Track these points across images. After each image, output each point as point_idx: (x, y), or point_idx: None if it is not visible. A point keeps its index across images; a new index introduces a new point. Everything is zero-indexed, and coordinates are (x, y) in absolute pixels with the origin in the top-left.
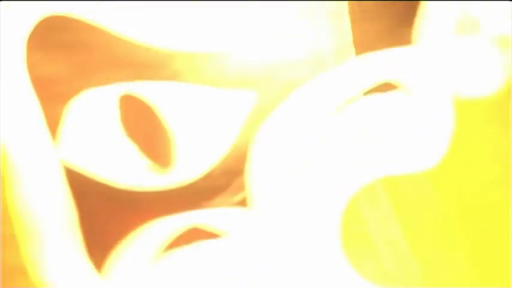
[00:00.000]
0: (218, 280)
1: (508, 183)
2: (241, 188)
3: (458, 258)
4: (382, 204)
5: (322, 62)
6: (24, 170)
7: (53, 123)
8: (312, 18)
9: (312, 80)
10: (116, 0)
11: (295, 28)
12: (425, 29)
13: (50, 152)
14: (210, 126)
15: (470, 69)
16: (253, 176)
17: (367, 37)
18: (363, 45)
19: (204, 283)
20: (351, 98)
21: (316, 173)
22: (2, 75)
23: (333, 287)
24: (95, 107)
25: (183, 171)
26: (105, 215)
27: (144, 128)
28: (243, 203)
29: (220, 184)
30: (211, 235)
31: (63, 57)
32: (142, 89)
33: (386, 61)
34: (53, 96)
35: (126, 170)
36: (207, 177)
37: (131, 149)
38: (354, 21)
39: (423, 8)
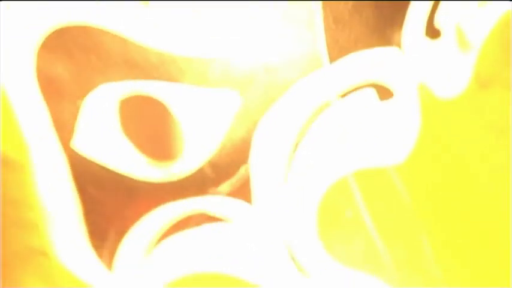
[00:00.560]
0: (220, 260)
1: (471, 178)
2: (229, 177)
3: (422, 242)
4: (355, 195)
5: (308, 64)
6: (37, 161)
7: (60, 120)
8: (291, 26)
9: (297, 82)
10: (122, 0)
11: (276, 34)
12: (395, 35)
13: (56, 146)
14: (202, 123)
15: (438, 71)
16: (251, 167)
17: (339, 43)
18: (335, 50)
19: (208, 263)
20: (328, 99)
21: (299, 166)
22: (10, 76)
23: (310, 269)
24: (105, 105)
25: (185, 164)
26: (116, 202)
27: (151, 124)
28: (233, 192)
29: (212, 175)
30: (214, 220)
31: (71, 59)
32: (147, 88)
33: (358, 64)
34: (58, 95)
35: (134, 162)
36: (199, 169)
37: (139, 144)
38: (326, 29)
39: (394, 16)
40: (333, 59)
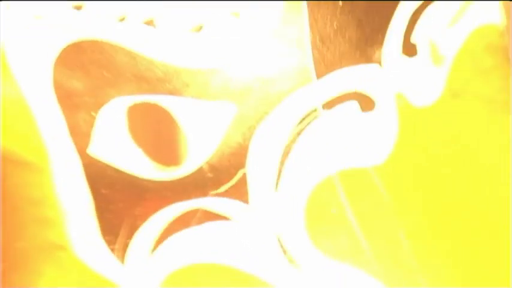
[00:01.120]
0: (220, 252)
1: (444, 177)
2: (225, 180)
3: (399, 236)
4: (339, 193)
5: (298, 78)
6: (55, 165)
7: (77, 129)
8: (283, 44)
9: (289, 94)
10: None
11: (270, 51)
12: (376, 53)
13: (72, 151)
14: (204, 132)
15: (414, 83)
16: (248, 171)
17: (325, 60)
18: (321, 66)
19: (209, 255)
20: (316, 109)
21: (289, 167)
22: (31, 88)
23: (299, 260)
24: (117, 116)
25: (186, 168)
26: (127, 202)
27: (158, 133)
28: (226, 193)
29: (211, 177)
30: (214, 217)
31: (86, 74)
32: (156, 99)
33: (343, 78)
34: (74, 106)
35: (143, 166)
36: (201, 173)
37: (147, 150)
38: (313, 46)
39: (374, 36)
40: (320, 74)
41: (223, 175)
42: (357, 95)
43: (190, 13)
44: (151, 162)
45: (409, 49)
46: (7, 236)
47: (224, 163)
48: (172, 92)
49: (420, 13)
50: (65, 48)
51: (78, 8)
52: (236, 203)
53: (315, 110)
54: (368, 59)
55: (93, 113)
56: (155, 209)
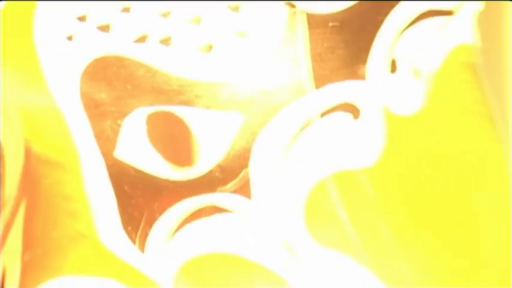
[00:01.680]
0: (227, 242)
1: (425, 178)
2: (231, 178)
3: (384, 229)
4: (332, 192)
5: (296, 90)
6: (84, 165)
7: (104, 135)
8: (283, 61)
9: (287, 104)
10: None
11: (272, 67)
12: (368, 68)
13: (99, 154)
14: (213, 137)
15: (397, 95)
16: (251, 171)
17: (319, 75)
18: (320, 79)
19: (217, 245)
20: (311, 117)
21: (289, 169)
22: (70, 100)
23: (298, 250)
24: (138, 122)
25: (198, 168)
26: (147, 197)
27: (174, 139)
28: (236, 190)
29: (220, 176)
30: (222, 211)
31: (111, 87)
32: (171, 109)
33: (334, 91)
34: (100, 114)
35: (160, 167)
36: (210, 172)
37: (165, 153)
38: (308, 64)
39: (360, 54)
40: (313, 87)
41: (230, 174)
42: (346, 106)
43: (201, 33)
44: (167, 164)
45: (392, 66)
46: (43, 226)
47: (230, 164)
48: (185, 103)
49: (401, 33)
50: (91, 63)
51: (104, 28)
52: (240, 198)
53: (311, 119)
54: (354, 74)
55: (119, 121)
56: (170, 204)
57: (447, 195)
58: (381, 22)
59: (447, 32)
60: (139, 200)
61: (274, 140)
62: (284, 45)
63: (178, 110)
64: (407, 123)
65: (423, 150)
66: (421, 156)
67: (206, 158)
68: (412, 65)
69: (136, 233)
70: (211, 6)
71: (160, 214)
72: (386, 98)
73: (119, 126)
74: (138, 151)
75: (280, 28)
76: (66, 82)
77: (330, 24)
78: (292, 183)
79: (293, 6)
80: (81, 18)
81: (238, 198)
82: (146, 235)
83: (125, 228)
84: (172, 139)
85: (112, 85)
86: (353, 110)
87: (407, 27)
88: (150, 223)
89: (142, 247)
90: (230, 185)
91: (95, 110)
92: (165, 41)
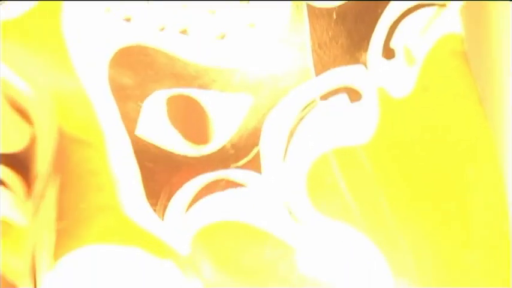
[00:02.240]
0: (239, 212)
1: (416, 153)
2: (246, 155)
3: (380, 200)
4: (333, 166)
5: (301, 75)
6: (111, 142)
7: (128, 115)
8: (289, 48)
9: (293, 88)
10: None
11: (279, 54)
12: (362, 56)
13: (127, 132)
14: (226, 117)
15: (392, 80)
16: (261, 148)
17: (322, 61)
18: (319, 66)
19: (230, 214)
20: (314, 99)
21: (294, 145)
22: (96, 84)
23: (302, 219)
24: (158, 105)
25: (213, 145)
26: (166, 172)
27: (191, 118)
28: (243, 166)
29: (233, 153)
30: (235, 185)
31: (135, 72)
32: (188, 93)
33: (336, 76)
34: (125, 97)
35: (179, 144)
36: (222, 149)
37: (183, 131)
38: (313, 51)
39: (361, 42)
40: (318, 72)
41: (242, 151)
42: (347, 89)
43: (216, 24)
44: (185, 141)
45: (388, 53)
46: (73, 199)
47: (242, 142)
48: (202, 86)
49: (397, 24)
50: (117, 51)
51: (128, 19)
52: (251, 173)
53: (314, 101)
54: (356, 61)
55: (139, 103)
56: (188, 179)
57: (438, 168)
58: (379, 14)
59: (438, 22)
60: (160, 175)
61: (282, 119)
62: (291, 35)
63: (194, 93)
64: (402, 104)
65: (416, 128)
66: (414, 133)
67: (220, 137)
68: (406, 52)
69: (157, 204)
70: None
71: (178, 188)
72: (383, 82)
73: (140, 107)
74: (158, 130)
75: (287, 19)
76: (95, 69)
77: (331, 15)
78: (296, 158)
79: None
80: (107, 10)
81: (250, 173)
82: (166, 206)
83: (147, 200)
84: (189, 119)
85: (136, 71)
86: (353, 92)
87: (403, 19)
88: (169, 196)
89: (162, 216)
90: (242, 162)
91: (121, 93)
92: (183, 31)
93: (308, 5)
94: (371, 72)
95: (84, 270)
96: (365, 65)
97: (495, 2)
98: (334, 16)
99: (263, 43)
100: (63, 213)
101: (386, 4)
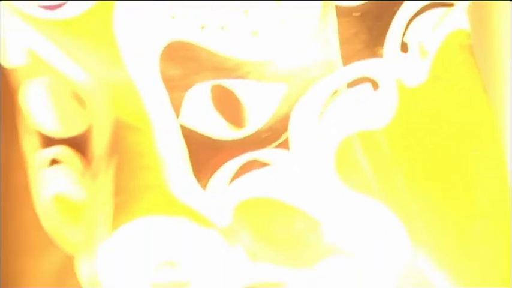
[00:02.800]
0: (272, 189)
1: (430, 136)
2: (278, 139)
3: (398, 177)
4: (356, 147)
5: (327, 67)
6: (158, 128)
7: (175, 103)
8: (318, 43)
9: (321, 78)
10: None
11: (309, 48)
12: (380, 50)
13: (172, 119)
14: (260, 103)
15: (407, 71)
16: (290, 131)
17: (346, 55)
18: (344, 59)
19: (264, 191)
20: (340, 88)
21: (322, 128)
22: (145, 76)
23: (328, 193)
24: (202, 94)
25: (249, 129)
26: (207, 154)
27: (231, 105)
28: (281, 145)
29: (266, 136)
30: (265, 164)
31: (181, 65)
32: (227, 83)
33: (358, 67)
34: (172, 88)
35: (219, 128)
36: (258, 132)
37: (223, 116)
38: (338, 45)
39: (379, 38)
40: (342, 64)
41: (274, 135)
42: (368, 79)
43: (251, 22)
44: (225, 125)
45: (404, 47)
46: (126, 177)
47: (275, 126)
48: (239, 78)
49: (411, 21)
50: (166, 46)
51: (173, 17)
52: (281, 152)
53: (340, 89)
54: (374, 55)
55: (182, 94)
56: (228, 159)
57: (448, 149)
58: (395, 12)
59: (447, 19)
60: (204, 155)
61: (310, 106)
62: (319, 30)
63: (231, 83)
64: (416, 93)
65: (429, 113)
66: (427, 118)
67: (256, 122)
68: (419, 46)
69: (201, 180)
70: None
71: (219, 167)
72: (399, 72)
73: (183, 97)
74: (200, 116)
75: (315, 17)
76: (145, 62)
77: (354, 14)
78: (324, 140)
79: None
80: (156, 10)
81: (280, 152)
82: (208, 181)
83: (194, 176)
84: (229, 106)
85: (180, 64)
86: (373, 82)
87: (416, 16)
88: (210, 174)
89: (205, 189)
90: (274, 145)
91: (168, 84)
92: (222, 28)
93: (333, 4)
94: (389, 64)
95: (137, 239)
96: (383, 57)
97: (497, 2)
98: (357, 14)
99: (293, 38)
100: (119, 189)
101: (402, 3)
